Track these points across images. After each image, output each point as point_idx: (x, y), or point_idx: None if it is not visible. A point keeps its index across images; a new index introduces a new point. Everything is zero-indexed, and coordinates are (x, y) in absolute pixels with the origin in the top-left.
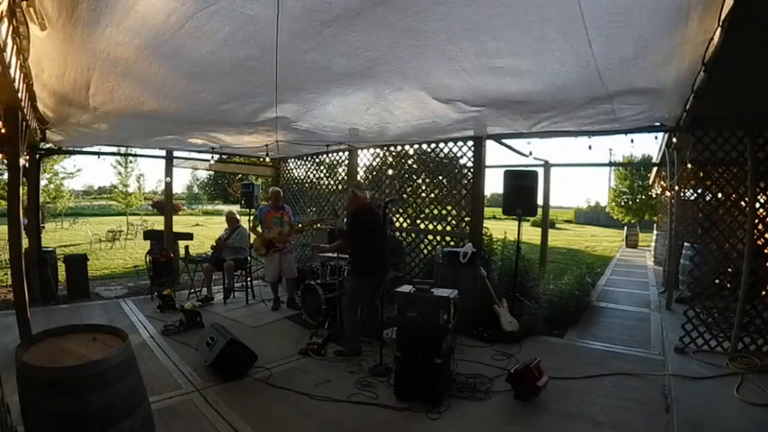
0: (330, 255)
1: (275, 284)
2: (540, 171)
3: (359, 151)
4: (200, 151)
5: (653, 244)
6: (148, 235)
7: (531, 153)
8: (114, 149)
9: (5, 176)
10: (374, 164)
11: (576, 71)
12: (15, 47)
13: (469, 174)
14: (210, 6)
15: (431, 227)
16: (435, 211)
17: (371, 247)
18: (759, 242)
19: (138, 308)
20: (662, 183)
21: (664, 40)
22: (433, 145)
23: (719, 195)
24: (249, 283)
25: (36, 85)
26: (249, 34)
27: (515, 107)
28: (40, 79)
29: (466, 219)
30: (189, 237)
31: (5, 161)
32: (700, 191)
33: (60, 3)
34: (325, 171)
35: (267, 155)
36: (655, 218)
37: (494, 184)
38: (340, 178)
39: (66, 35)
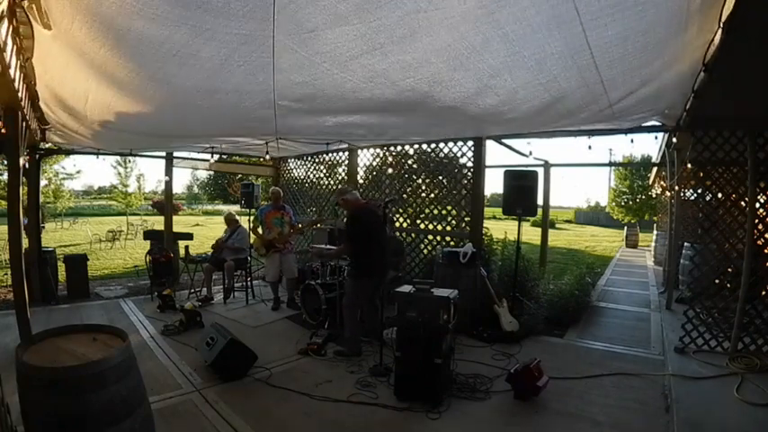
0: (333, 258)
1: (275, 284)
2: (540, 171)
3: (359, 151)
4: (200, 151)
5: (653, 244)
6: (148, 235)
7: (531, 153)
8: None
9: (5, 176)
10: (374, 164)
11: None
12: (15, 47)
13: (469, 174)
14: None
15: (431, 227)
16: (435, 211)
17: (371, 248)
18: (759, 242)
19: (138, 308)
20: (662, 183)
21: (666, 43)
22: (433, 145)
23: (719, 195)
24: (249, 283)
25: (39, 85)
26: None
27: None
28: (43, 80)
29: (466, 219)
30: (189, 237)
31: (5, 161)
32: (700, 191)
33: (63, 10)
34: (325, 171)
35: (267, 154)
36: (655, 218)
37: (494, 184)
38: (340, 178)
39: (67, 41)
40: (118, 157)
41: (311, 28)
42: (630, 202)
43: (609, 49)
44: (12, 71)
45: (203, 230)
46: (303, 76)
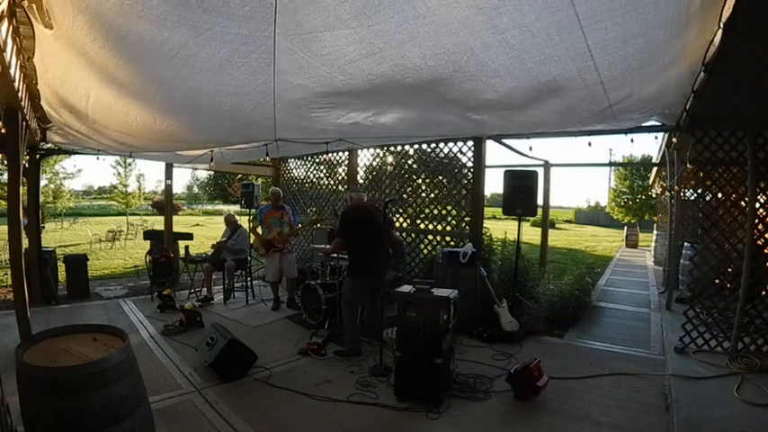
0: (331, 254)
1: (275, 284)
2: (540, 171)
3: (359, 151)
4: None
5: (653, 244)
6: (148, 235)
7: (531, 149)
8: None
9: (5, 176)
10: (374, 164)
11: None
12: (15, 47)
13: (469, 174)
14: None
15: (431, 227)
16: (435, 211)
17: (366, 247)
18: (759, 242)
19: (138, 308)
20: (662, 183)
21: (665, 44)
22: (432, 145)
23: (719, 195)
24: (249, 283)
25: (41, 83)
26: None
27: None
28: (45, 78)
29: (466, 219)
30: (189, 237)
31: (5, 161)
32: (700, 191)
33: (64, 8)
34: (325, 171)
35: (267, 155)
36: (655, 218)
37: (494, 184)
38: (340, 178)
39: (69, 40)
40: (118, 158)
41: (310, 29)
42: (630, 202)
43: (609, 51)
44: (12, 71)
45: (203, 230)
46: (302, 79)
